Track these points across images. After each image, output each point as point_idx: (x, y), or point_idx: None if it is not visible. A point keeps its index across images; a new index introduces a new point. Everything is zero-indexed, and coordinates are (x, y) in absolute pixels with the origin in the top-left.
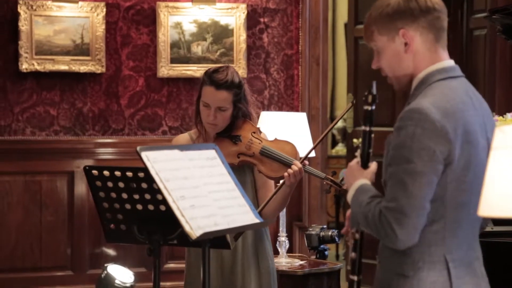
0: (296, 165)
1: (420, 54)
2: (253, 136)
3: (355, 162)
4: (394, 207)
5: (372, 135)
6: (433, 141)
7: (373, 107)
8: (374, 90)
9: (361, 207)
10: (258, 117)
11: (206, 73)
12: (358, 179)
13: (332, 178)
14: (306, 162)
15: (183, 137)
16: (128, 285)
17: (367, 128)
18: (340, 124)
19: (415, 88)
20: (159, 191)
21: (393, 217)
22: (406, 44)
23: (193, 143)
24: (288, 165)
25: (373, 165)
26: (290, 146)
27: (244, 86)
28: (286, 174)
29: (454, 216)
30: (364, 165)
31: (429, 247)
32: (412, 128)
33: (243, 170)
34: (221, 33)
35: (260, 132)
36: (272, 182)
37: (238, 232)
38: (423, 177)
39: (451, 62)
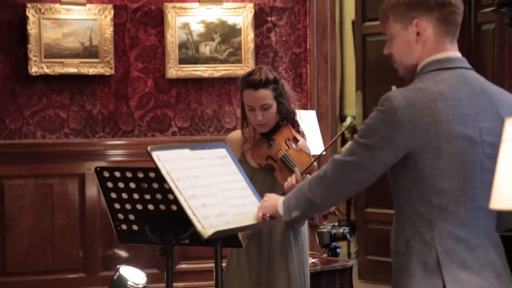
0: (293, 178)
1: (428, 44)
2: (285, 143)
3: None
4: (342, 159)
5: None
6: (390, 127)
7: None
8: None
9: (310, 189)
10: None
11: (242, 78)
12: (277, 200)
13: None
14: (308, 176)
15: (236, 133)
16: (140, 286)
17: None
18: (349, 122)
19: (415, 77)
20: (170, 190)
21: (338, 166)
22: (418, 33)
23: (244, 142)
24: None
25: None
26: (305, 157)
27: (281, 81)
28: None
29: (438, 202)
30: None
31: (418, 227)
32: (377, 112)
33: (266, 174)
34: (229, 33)
35: (297, 140)
36: None
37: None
38: (370, 150)
39: (451, 54)
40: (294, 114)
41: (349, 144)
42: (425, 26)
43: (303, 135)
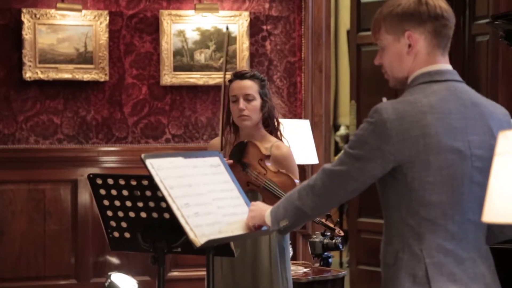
0: None
1: (419, 56)
2: (260, 165)
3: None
4: (331, 169)
5: None
6: (380, 140)
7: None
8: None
9: (300, 198)
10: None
11: (231, 76)
12: (264, 210)
13: (324, 221)
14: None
15: (218, 139)
16: None
17: None
18: (343, 131)
19: (406, 89)
20: (163, 198)
21: (327, 176)
22: (409, 46)
23: (224, 146)
24: None
25: None
26: (290, 181)
27: (270, 92)
28: None
29: (426, 214)
30: None
31: (407, 239)
32: (367, 124)
33: (256, 193)
34: (224, 41)
35: (267, 157)
36: None
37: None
38: (356, 173)
39: (441, 66)
40: (278, 122)
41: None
42: (417, 39)
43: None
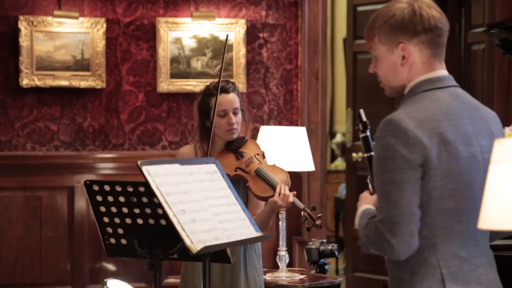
0: (283, 189)
1: (414, 67)
2: (255, 157)
3: (366, 191)
4: (384, 218)
5: None
6: (407, 149)
7: (368, 133)
8: (364, 117)
9: (363, 229)
10: (252, 130)
11: (207, 89)
12: (361, 205)
13: (309, 211)
14: (294, 192)
15: (188, 148)
16: None
17: (368, 154)
18: (339, 138)
19: (403, 97)
20: (159, 205)
21: (385, 228)
22: (403, 57)
23: (199, 154)
24: (275, 189)
25: None
26: (284, 174)
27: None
28: (276, 194)
29: (443, 223)
30: (373, 190)
31: (422, 252)
32: (386, 138)
33: (238, 185)
34: (220, 48)
35: (264, 157)
36: (262, 202)
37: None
38: (404, 184)
39: (440, 73)
40: (248, 124)
41: (339, 161)
42: (411, 50)
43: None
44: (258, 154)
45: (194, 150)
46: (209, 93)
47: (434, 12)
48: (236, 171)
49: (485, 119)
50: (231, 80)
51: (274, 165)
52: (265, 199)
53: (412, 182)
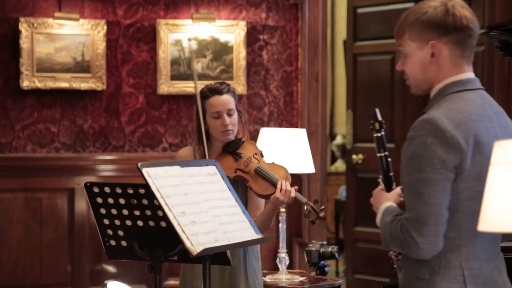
0: (284, 185)
1: (444, 66)
2: (254, 157)
3: (379, 188)
4: (412, 217)
5: (389, 159)
6: (444, 150)
7: (383, 133)
8: (379, 116)
9: (387, 226)
10: (251, 132)
11: (203, 90)
12: (383, 202)
13: (312, 204)
14: (296, 187)
15: (187, 150)
16: None
17: (382, 154)
18: (339, 140)
19: (432, 98)
20: (160, 207)
21: (412, 227)
22: (433, 54)
23: (197, 156)
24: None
25: (397, 188)
26: (284, 171)
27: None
28: (277, 190)
29: (469, 225)
30: (388, 188)
31: (445, 253)
32: (423, 137)
33: (237, 187)
34: (221, 50)
35: (262, 155)
36: (262, 202)
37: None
38: (437, 184)
39: (469, 75)
40: (246, 126)
41: (339, 162)
42: (440, 48)
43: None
44: (256, 154)
45: (192, 153)
46: (203, 95)
47: (467, 13)
48: (236, 172)
49: (507, 122)
50: (231, 82)
51: (273, 162)
52: (267, 197)
53: (445, 183)
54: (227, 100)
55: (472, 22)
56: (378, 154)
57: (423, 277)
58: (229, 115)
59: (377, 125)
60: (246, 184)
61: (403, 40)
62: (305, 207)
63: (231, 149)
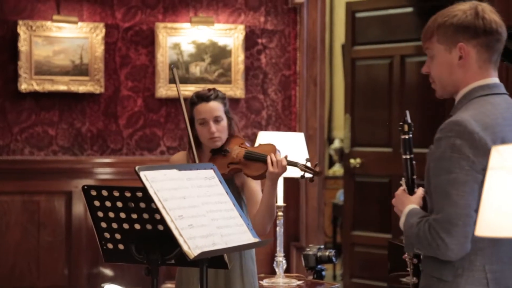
0: (274, 157)
1: (471, 69)
2: (240, 146)
3: (401, 190)
4: (441, 218)
5: (414, 162)
6: (472, 151)
7: (410, 135)
8: (409, 119)
9: (413, 227)
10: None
11: (191, 98)
12: (407, 204)
13: (305, 163)
14: (286, 155)
15: (181, 155)
16: None
17: (408, 156)
18: (337, 144)
19: (458, 101)
20: (157, 210)
21: (441, 228)
22: (460, 57)
23: (190, 161)
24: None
25: (419, 191)
26: (270, 146)
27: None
28: (269, 165)
29: None
30: (410, 191)
31: (469, 255)
32: (452, 139)
33: (231, 184)
34: (219, 54)
35: (248, 142)
36: (258, 195)
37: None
38: (466, 186)
39: (495, 80)
40: (238, 129)
41: (337, 166)
42: (469, 51)
43: None
44: (242, 144)
45: (186, 157)
46: (192, 102)
47: (496, 17)
48: (228, 167)
49: None
50: (229, 85)
51: (259, 144)
52: (263, 176)
53: (473, 185)
54: (213, 107)
55: (501, 26)
56: (404, 156)
57: (446, 279)
58: (216, 122)
59: (406, 127)
60: (242, 173)
61: (431, 42)
62: (299, 169)
63: (219, 148)
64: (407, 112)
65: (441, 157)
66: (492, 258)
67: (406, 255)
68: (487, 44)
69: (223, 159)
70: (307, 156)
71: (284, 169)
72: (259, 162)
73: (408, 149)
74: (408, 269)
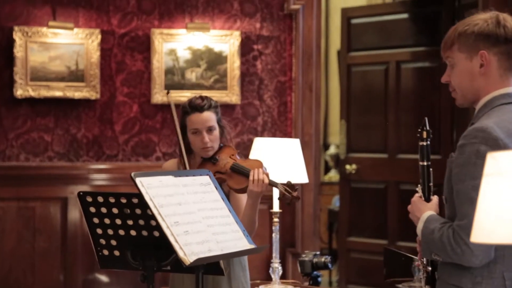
0: (256, 174)
1: (491, 77)
2: (230, 157)
3: (417, 196)
4: (466, 224)
5: (431, 169)
6: None
7: (429, 142)
8: (427, 126)
9: (434, 233)
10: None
11: (183, 106)
12: (424, 211)
13: (285, 186)
14: (267, 173)
15: (172, 162)
16: None
17: (425, 163)
18: (333, 150)
19: (479, 109)
20: (153, 217)
21: (466, 234)
22: (481, 65)
23: (181, 168)
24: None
25: (435, 198)
26: (257, 162)
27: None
28: (249, 181)
29: None
30: (427, 198)
31: (488, 263)
32: (476, 145)
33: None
34: (215, 60)
35: (240, 156)
36: (243, 205)
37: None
38: None
39: None
40: (231, 138)
41: (332, 172)
42: (490, 59)
43: None
44: (232, 155)
45: (177, 165)
46: (184, 110)
47: None
48: (215, 175)
49: None
50: (225, 91)
51: (248, 158)
52: (244, 190)
53: None
54: (207, 117)
55: None
56: (421, 163)
57: (465, 287)
58: (209, 131)
59: (424, 134)
60: (226, 184)
61: (452, 51)
62: (279, 190)
63: (210, 156)
64: (426, 119)
65: (466, 163)
66: (511, 266)
67: (419, 262)
68: (508, 52)
69: (212, 167)
70: (290, 179)
71: (264, 188)
72: (243, 176)
73: (426, 156)
74: (421, 277)
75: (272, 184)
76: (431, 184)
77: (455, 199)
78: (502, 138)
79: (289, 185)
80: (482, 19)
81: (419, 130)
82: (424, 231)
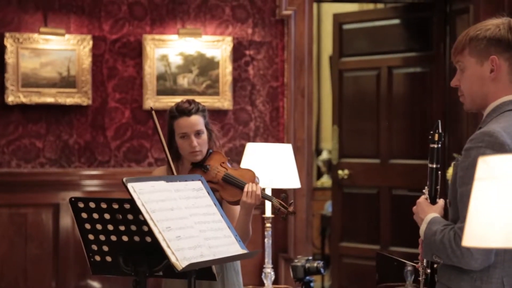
0: (250, 187)
1: (501, 83)
2: (221, 166)
3: (423, 198)
4: None
5: (439, 172)
6: None
7: (439, 145)
8: (440, 129)
9: (436, 234)
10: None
11: (171, 110)
12: (429, 213)
13: (280, 200)
14: (259, 186)
15: (161, 170)
16: None
17: (434, 165)
18: (325, 156)
19: (487, 114)
20: (145, 222)
21: None
22: (492, 70)
23: (170, 174)
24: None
25: (440, 201)
26: (250, 173)
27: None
28: (243, 194)
29: None
30: (433, 201)
31: (488, 268)
32: (482, 149)
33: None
34: (207, 66)
35: (231, 163)
36: (237, 212)
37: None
38: None
39: None
40: (218, 142)
41: (325, 178)
42: (501, 64)
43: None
44: (223, 163)
45: (166, 172)
46: (172, 115)
47: None
48: None
49: None
50: (217, 97)
51: (239, 167)
52: (237, 203)
53: None
54: (194, 121)
55: None
56: (430, 165)
57: None
58: (198, 135)
59: (436, 136)
60: (218, 194)
61: (462, 56)
62: (274, 205)
63: (199, 162)
64: (439, 122)
65: (470, 167)
66: (510, 271)
67: (418, 264)
68: None
69: (202, 175)
70: (285, 193)
71: (258, 201)
72: (236, 188)
73: (436, 159)
74: (420, 278)
75: (267, 198)
76: (438, 187)
77: (459, 201)
78: (509, 143)
79: (284, 199)
80: (494, 24)
81: (431, 132)
82: (426, 232)
